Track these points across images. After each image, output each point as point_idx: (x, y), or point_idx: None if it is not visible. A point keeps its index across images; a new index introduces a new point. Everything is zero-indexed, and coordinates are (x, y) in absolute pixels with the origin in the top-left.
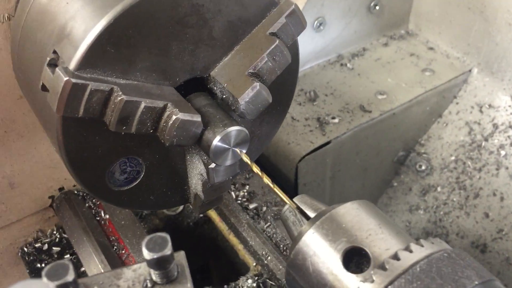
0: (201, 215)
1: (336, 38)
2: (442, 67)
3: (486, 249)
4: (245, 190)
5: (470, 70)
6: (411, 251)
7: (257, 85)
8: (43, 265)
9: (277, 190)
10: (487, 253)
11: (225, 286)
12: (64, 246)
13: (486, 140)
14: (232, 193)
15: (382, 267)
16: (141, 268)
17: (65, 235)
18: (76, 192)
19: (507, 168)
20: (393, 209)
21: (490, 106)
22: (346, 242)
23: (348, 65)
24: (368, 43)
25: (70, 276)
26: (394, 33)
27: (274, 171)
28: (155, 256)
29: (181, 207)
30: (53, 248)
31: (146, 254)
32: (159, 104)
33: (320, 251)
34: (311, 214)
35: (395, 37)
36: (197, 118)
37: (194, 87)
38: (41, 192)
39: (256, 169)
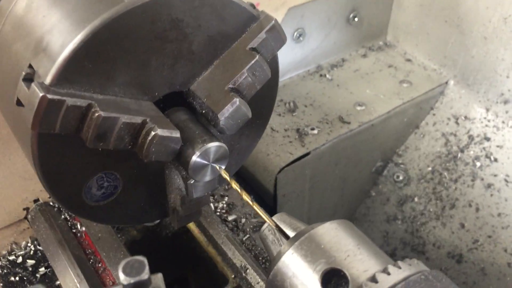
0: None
1: (316, 49)
2: (420, 78)
3: (462, 259)
4: (224, 202)
5: (446, 82)
6: (388, 274)
7: (236, 100)
8: (17, 278)
9: (256, 207)
10: (462, 263)
11: None
12: (39, 259)
13: (462, 151)
14: (211, 204)
15: None
16: None
17: (40, 247)
18: (51, 203)
19: (482, 179)
20: (371, 219)
21: (466, 117)
22: (325, 263)
23: (328, 76)
24: (347, 54)
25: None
26: (373, 44)
27: (253, 182)
28: (132, 281)
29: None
30: (28, 260)
31: (123, 279)
32: (138, 120)
33: (299, 272)
34: (290, 234)
35: (373, 48)
36: (176, 134)
37: (173, 102)
38: (15, 203)
39: (235, 185)
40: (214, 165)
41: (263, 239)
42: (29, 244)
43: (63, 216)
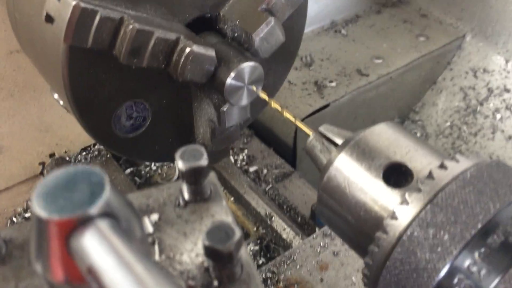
0: None
1: (330, 4)
2: (436, 33)
3: None
4: (244, 154)
5: (464, 36)
6: (457, 161)
7: (271, 19)
8: None
9: (299, 122)
10: None
11: None
12: None
13: (481, 104)
14: (231, 157)
15: (428, 177)
16: (171, 188)
17: None
18: (68, 158)
19: (502, 131)
20: None
21: (484, 70)
22: (385, 159)
23: (343, 31)
24: (361, 10)
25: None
26: (387, 1)
27: (271, 136)
28: (191, 166)
29: (175, 176)
30: None
31: (181, 165)
32: (172, 36)
33: (358, 170)
34: (339, 141)
35: (387, 4)
36: (211, 52)
37: (202, 28)
38: (31, 157)
39: (275, 104)
40: (250, 86)
41: (310, 150)
42: None
43: None
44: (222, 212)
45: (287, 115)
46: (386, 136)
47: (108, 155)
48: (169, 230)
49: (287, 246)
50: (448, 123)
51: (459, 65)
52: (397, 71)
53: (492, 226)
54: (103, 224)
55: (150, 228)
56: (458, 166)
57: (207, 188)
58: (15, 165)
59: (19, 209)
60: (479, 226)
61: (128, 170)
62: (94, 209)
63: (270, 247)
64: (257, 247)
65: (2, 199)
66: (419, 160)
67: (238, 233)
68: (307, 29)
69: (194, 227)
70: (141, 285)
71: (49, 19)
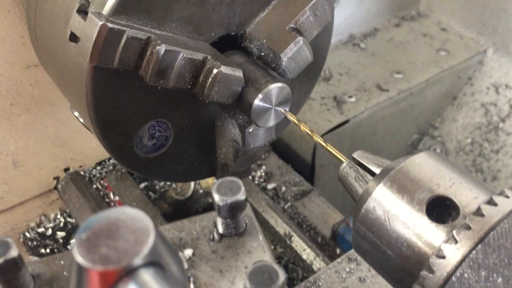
0: (210, 200)
1: (349, 17)
2: (457, 47)
3: None
4: (261, 170)
5: (485, 51)
6: (507, 196)
7: (300, 39)
8: (47, 250)
9: (330, 148)
10: None
11: None
12: (69, 231)
13: (503, 121)
14: None
15: (477, 213)
16: (204, 220)
17: (70, 219)
18: (82, 173)
19: None
20: None
21: (506, 86)
22: (428, 192)
23: (361, 45)
24: (379, 24)
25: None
26: (405, 14)
27: (289, 153)
28: (228, 201)
29: (190, 192)
30: (57, 232)
31: (218, 199)
32: (199, 56)
33: (399, 203)
34: (375, 169)
35: (406, 17)
36: (239, 73)
37: (228, 47)
38: (45, 172)
39: (304, 128)
40: (278, 108)
41: (344, 178)
42: (58, 216)
43: (94, 186)
44: (259, 248)
45: (317, 139)
46: (428, 167)
47: (123, 170)
48: (204, 267)
49: (307, 267)
50: (469, 140)
51: (480, 81)
52: (417, 86)
53: None
54: (148, 274)
55: (184, 264)
56: (509, 202)
57: (243, 222)
58: (29, 180)
59: (32, 224)
60: None
61: (143, 185)
62: (138, 260)
63: (289, 267)
64: None
65: (15, 214)
66: (465, 194)
67: (282, 276)
68: None
69: (230, 264)
70: None
71: (73, 38)
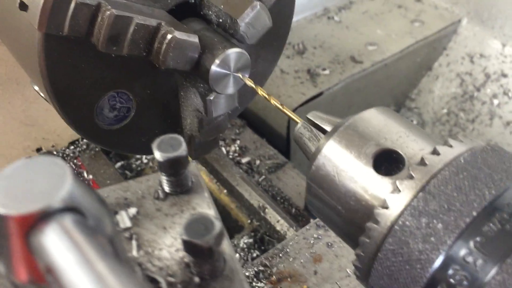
0: None
1: None
2: (431, 18)
3: None
4: (236, 145)
5: (459, 20)
6: (450, 146)
7: (257, 4)
8: None
9: (286, 110)
10: None
11: None
12: None
13: (478, 90)
14: (223, 148)
15: (420, 163)
16: (150, 180)
17: None
18: (55, 152)
19: (500, 117)
20: None
21: (481, 55)
22: (375, 145)
23: (335, 18)
24: None
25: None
26: None
27: (264, 126)
28: (169, 156)
29: None
30: None
31: (159, 156)
32: (153, 22)
33: (346, 158)
34: (328, 128)
35: None
36: (194, 38)
37: (186, 14)
38: (17, 152)
39: (261, 92)
40: (236, 74)
41: (299, 138)
42: None
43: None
44: (204, 204)
45: (274, 103)
46: (376, 122)
47: (97, 149)
48: (147, 225)
49: (281, 238)
50: (445, 110)
51: (455, 51)
52: (392, 57)
53: (488, 214)
54: (66, 220)
55: (128, 223)
56: (451, 151)
57: (188, 180)
58: (1, 161)
59: None
60: (474, 214)
61: (119, 164)
62: (54, 203)
63: (265, 240)
64: (251, 240)
65: None
66: (411, 146)
67: (218, 226)
68: (300, 16)
69: (174, 221)
70: (102, 286)
71: (23, 6)
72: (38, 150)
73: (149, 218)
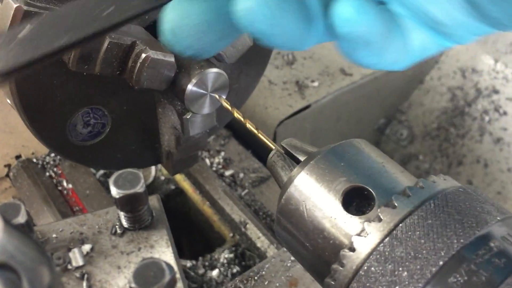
0: (173, 187)
1: None
2: None
3: None
4: (220, 157)
5: None
6: (422, 187)
7: None
8: None
9: (261, 135)
10: None
11: (200, 258)
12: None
13: (469, 105)
14: (207, 160)
15: (389, 205)
16: (109, 213)
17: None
18: (35, 160)
19: (491, 133)
20: None
21: (473, 70)
22: (346, 182)
23: None
24: None
25: (22, 218)
26: None
27: (250, 137)
28: (125, 194)
29: (151, 178)
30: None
31: (115, 192)
32: (127, 40)
33: (316, 193)
34: (302, 158)
35: None
36: (170, 57)
37: None
38: None
39: (237, 114)
40: (213, 94)
41: (272, 166)
42: None
43: (47, 173)
44: (163, 242)
45: (249, 127)
46: (349, 156)
47: None
48: (101, 263)
49: (261, 254)
50: (435, 124)
51: (447, 64)
52: (382, 70)
53: (455, 263)
54: None
55: (80, 261)
56: (422, 193)
57: (147, 215)
58: None
59: None
60: (441, 263)
61: (101, 172)
62: None
63: (246, 255)
64: (232, 255)
65: None
66: (382, 184)
67: (168, 275)
68: None
69: (130, 260)
70: None
71: None
72: (18, 157)
73: (104, 256)
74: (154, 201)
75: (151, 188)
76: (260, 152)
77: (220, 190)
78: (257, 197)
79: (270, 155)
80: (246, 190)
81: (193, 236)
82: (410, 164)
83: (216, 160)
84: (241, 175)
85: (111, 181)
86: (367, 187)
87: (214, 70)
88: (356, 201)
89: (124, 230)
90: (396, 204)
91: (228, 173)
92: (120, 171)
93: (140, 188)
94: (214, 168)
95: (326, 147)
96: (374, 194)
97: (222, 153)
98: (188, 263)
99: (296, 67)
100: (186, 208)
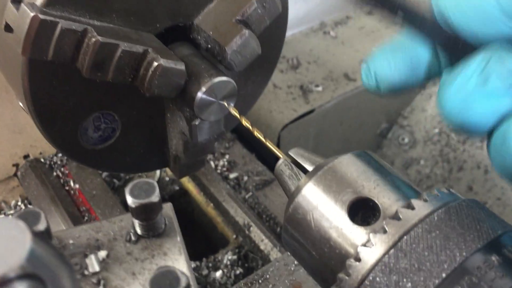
0: (177, 188)
1: (320, 4)
2: None
3: None
4: (224, 160)
5: None
6: (425, 200)
7: (245, 32)
8: None
9: (269, 144)
10: None
11: (204, 259)
12: None
13: None
14: (212, 162)
15: (394, 217)
16: (123, 221)
17: (31, 206)
18: (42, 160)
19: None
20: None
21: None
22: (352, 193)
23: (332, 33)
24: (351, 11)
25: (42, 225)
26: None
27: (254, 141)
28: (141, 203)
29: (156, 178)
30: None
31: (131, 202)
32: (139, 49)
33: (323, 203)
34: (309, 167)
35: None
36: (181, 66)
37: (175, 37)
38: (4, 159)
39: (245, 122)
40: (222, 102)
41: (279, 175)
42: (19, 203)
43: (55, 173)
44: (176, 249)
45: (257, 135)
46: (355, 168)
47: None
48: (117, 269)
49: (264, 257)
50: (437, 130)
51: None
52: None
53: (458, 276)
54: None
55: (96, 267)
56: (426, 206)
57: (161, 223)
58: None
59: None
60: (444, 275)
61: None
62: (11, 271)
63: (249, 257)
64: (235, 257)
65: None
66: (387, 196)
67: (183, 283)
68: (296, 30)
69: (144, 266)
70: None
71: (8, 28)
72: (26, 157)
73: (119, 262)
74: (167, 209)
75: None
76: (264, 155)
77: (225, 192)
78: (261, 200)
79: (278, 164)
80: (250, 193)
81: (196, 236)
82: (411, 168)
83: (221, 162)
84: (245, 178)
85: (127, 190)
86: (372, 199)
87: (223, 78)
88: (362, 212)
89: (139, 238)
90: (401, 216)
91: (232, 175)
92: (135, 181)
93: (155, 197)
94: (218, 171)
95: (333, 158)
96: (379, 205)
97: (227, 156)
98: (192, 264)
99: (301, 71)
100: (190, 209)
